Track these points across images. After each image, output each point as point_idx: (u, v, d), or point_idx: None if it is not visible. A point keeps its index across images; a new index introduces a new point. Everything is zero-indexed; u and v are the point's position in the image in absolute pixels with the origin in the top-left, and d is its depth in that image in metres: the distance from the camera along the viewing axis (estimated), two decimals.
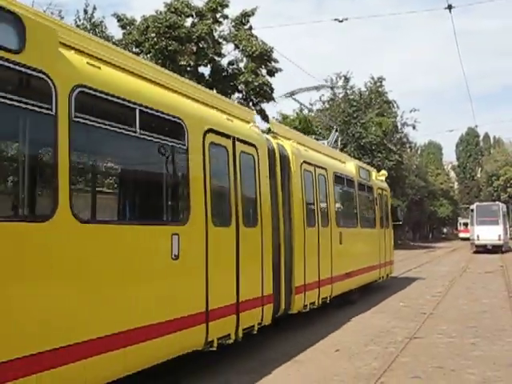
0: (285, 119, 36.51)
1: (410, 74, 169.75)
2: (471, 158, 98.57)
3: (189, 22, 21.67)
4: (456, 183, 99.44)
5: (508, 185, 65.83)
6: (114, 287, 5.15)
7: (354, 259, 12.83)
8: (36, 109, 4.43)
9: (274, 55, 22.92)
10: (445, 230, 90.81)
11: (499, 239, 35.69)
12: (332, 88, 44.21)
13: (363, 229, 14.20)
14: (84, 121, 4.86)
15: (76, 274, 4.68)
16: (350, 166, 14.09)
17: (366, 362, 7.62)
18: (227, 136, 7.28)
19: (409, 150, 64.92)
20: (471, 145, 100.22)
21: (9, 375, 3.91)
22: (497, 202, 42.61)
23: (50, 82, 4.49)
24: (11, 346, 4.00)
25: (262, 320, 7.99)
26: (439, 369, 7.17)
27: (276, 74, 23.25)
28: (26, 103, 4.31)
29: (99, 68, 5.30)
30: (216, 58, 22.53)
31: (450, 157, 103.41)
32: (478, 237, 36.35)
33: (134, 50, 20.78)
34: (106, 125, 5.17)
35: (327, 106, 45.49)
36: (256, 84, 21.94)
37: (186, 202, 6.42)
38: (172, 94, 6.71)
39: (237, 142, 7.44)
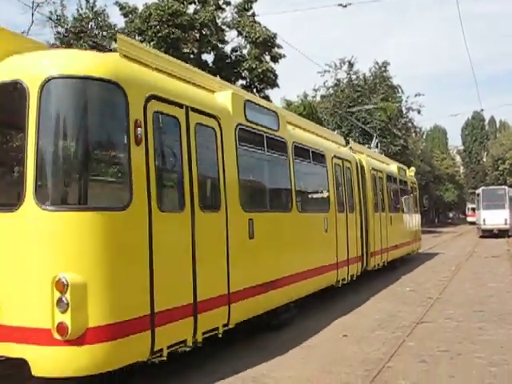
0: (289, 105, 36.26)
1: (415, 58, 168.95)
2: (477, 142, 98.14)
3: (191, 8, 21.56)
4: (462, 168, 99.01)
5: None
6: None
7: (399, 236, 17.51)
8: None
9: (278, 41, 22.83)
10: (451, 215, 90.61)
11: (505, 223, 35.55)
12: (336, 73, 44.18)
13: (403, 214, 19.02)
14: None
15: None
16: (393, 167, 18.70)
17: (373, 346, 7.65)
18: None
19: (414, 134, 64.72)
20: (477, 129, 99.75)
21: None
22: (503, 186, 42.40)
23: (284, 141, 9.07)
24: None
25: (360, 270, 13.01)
26: (446, 353, 7.18)
27: (280, 60, 23.14)
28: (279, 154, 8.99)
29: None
30: (219, 44, 22.46)
31: (455, 141, 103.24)
32: (484, 221, 36.24)
33: (136, 38, 20.73)
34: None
35: (331, 91, 45.31)
36: (260, 70, 21.86)
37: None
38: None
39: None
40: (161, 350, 5.60)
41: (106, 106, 5.67)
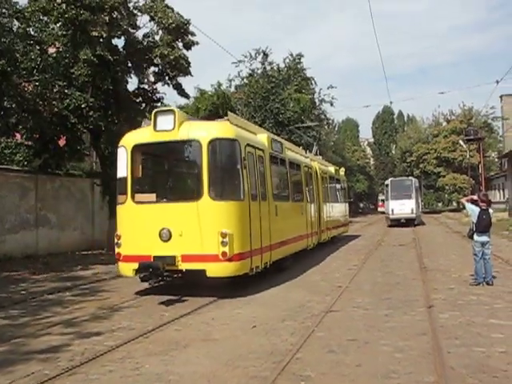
0: (202, 94, 35.91)
1: (331, 53, 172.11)
2: (386, 134, 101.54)
3: None
4: (372, 159, 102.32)
5: (420, 161, 68.25)
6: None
7: (337, 219, 25.19)
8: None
9: (192, 29, 22.32)
10: (361, 205, 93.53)
11: (412, 213, 37.06)
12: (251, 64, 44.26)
13: (339, 203, 26.51)
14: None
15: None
16: (331, 169, 25.70)
17: (282, 337, 7.56)
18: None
19: (326, 126, 66.08)
20: (386, 122, 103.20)
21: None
22: (410, 177, 44.09)
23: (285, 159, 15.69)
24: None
25: (314, 244, 18.93)
26: (354, 341, 7.20)
27: (193, 48, 22.66)
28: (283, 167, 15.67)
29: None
30: (130, 29, 21.62)
31: (366, 134, 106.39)
32: (392, 211, 37.59)
33: (41, 18, 19.61)
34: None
35: (246, 81, 45.29)
36: (172, 57, 21.25)
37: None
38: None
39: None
40: (252, 268, 11.37)
41: (233, 150, 11.36)
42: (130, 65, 22.88)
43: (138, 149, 11.72)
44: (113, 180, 23.66)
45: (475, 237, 11.49)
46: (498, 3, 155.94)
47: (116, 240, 11.51)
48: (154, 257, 10.72)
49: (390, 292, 10.90)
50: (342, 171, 28.76)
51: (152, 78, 23.85)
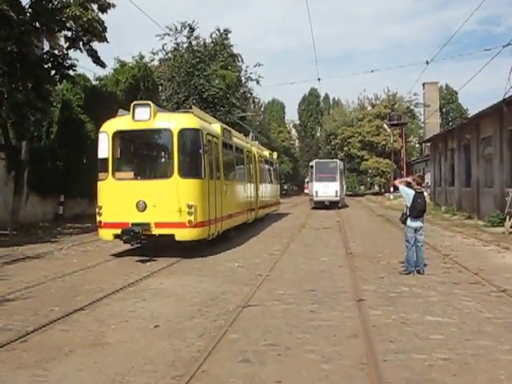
0: (123, 66, 33.65)
1: (260, 34, 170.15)
2: (312, 117, 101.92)
3: None
4: (297, 141, 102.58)
5: (345, 143, 68.69)
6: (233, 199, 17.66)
7: (271, 198, 27.75)
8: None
9: None
10: (285, 187, 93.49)
11: (336, 195, 36.60)
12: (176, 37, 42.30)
13: (272, 184, 29.07)
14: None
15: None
16: (266, 153, 28.86)
17: (188, 341, 6.27)
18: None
19: (252, 105, 64.96)
20: (312, 104, 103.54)
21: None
22: (335, 159, 43.76)
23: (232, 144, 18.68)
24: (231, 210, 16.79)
25: (252, 219, 21.54)
26: (273, 347, 5.99)
27: (115, 17, 20.66)
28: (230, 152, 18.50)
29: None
30: None
31: (292, 116, 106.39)
32: (316, 193, 37.00)
33: None
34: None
35: (170, 56, 43.24)
36: (85, 19, 19.17)
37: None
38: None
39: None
40: (209, 234, 13.84)
41: (197, 138, 13.59)
42: (38, 26, 20.53)
43: (118, 135, 13.89)
44: (18, 153, 21.95)
45: (408, 222, 10.60)
46: None
47: (97, 210, 13.64)
48: (132, 223, 12.87)
49: (314, 282, 9.80)
50: (274, 155, 32.01)
51: (64, 43, 21.61)
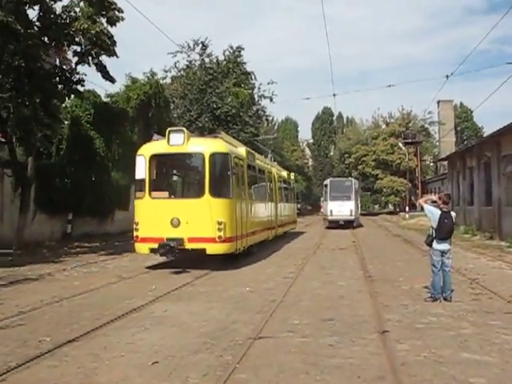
0: (134, 83, 33.25)
1: (274, 54, 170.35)
2: (325, 136, 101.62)
3: None
4: (310, 160, 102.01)
5: (359, 162, 67.84)
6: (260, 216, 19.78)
7: (289, 217, 29.18)
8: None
9: (120, 5, 19.85)
10: (299, 206, 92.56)
11: (351, 214, 35.67)
12: (188, 55, 41.98)
13: (290, 203, 30.47)
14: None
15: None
16: (285, 173, 30.21)
17: (190, 381, 5.48)
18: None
19: (266, 124, 64.46)
20: (326, 123, 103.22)
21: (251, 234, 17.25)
22: (350, 178, 42.88)
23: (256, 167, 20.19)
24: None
25: (272, 236, 22.46)
26: None
27: (128, 34, 20.21)
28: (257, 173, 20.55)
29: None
30: None
31: (305, 135, 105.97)
32: (331, 212, 36.08)
33: None
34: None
35: (183, 73, 42.88)
36: (93, 32, 18.68)
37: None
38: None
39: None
40: (237, 249, 14.96)
41: (226, 161, 14.73)
42: (46, 40, 20.09)
43: (154, 158, 15.06)
44: (25, 170, 21.41)
45: (434, 244, 9.73)
46: (435, 12, 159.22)
47: (134, 226, 14.86)
48: (167, 238, 14.05)
49: (332, 309, 8.96)
50: (292, 175, 33.55)
51: (72, 57, 21.16)
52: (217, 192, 14.39)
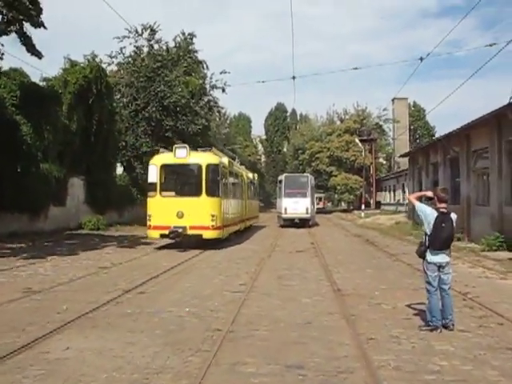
0: (73, 66, 30.12)
1: (230, 50, 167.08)
2: (279, 132, 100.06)
3: None
4: (263, 156, 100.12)
5: (313, 159, 65.91)
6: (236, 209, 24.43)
7: (253, 212, 33.12)
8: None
9: None
10: None
11: (307, 212, 33.44)
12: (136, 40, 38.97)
13: (254, 200, 34.52)
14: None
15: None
16: (251, 175, 33.92)
17: None
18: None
19: (218, 116, 61.80)
20: (279, 119, 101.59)
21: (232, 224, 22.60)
22: (306, 174, 40.85)
23: (233, 172, 25.00)
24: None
25: (243, 228, 27.08)
26: None
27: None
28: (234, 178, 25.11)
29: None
30: None
31: (259, 130, 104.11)
32: (285, 210, 33.74)
33: None
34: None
35: (130, 60, 39.76)
36: None
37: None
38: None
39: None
40: (223, 235, 19.98)
41: (217, 170, 19.62)
42: None
43: (163, 166, 19.52)
44: None
45: (429, 256, 7.43)
46: (388, 14, 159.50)
47: (148, 217, 19.20)
48: (174, 226, 18.37)
49: (300, 346, 6.49)
50: (256, 175, 37.07)
51: None
52: (210, 193, 19.07)
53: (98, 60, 32.76)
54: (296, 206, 33.30)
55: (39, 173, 23.91)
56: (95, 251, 18.37)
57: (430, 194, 7.94)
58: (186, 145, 20.07)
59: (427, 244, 7.45)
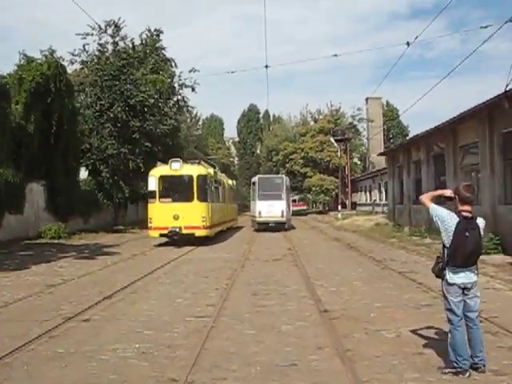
0: (29, 63, 27.86)
1: (204, 52, 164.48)
2: (252, 133, 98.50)
3: None
4: (236, 158, 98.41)
5: (287, 160, 64.34)
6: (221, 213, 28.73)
7: (233, 215, 36.43)
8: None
9: None
10: None
11: (282, 216, 31.67)
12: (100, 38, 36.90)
13: (234, 204, 37.86)
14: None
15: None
16: (230, 181, 37.49)
17: None
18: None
19: (189, 119, 59.82)
20: (252, 121, 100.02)
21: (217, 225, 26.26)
22: (281, 175, 39.10)
23: (218, 180, 29.60)
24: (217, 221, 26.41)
25: (225, 228, 30.94)
26: None
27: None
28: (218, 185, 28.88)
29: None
30: None
31: (231, 133, 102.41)
32: (259, 213, 31.96)
33: None
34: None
35: (93, 57, 37.61)
36: None
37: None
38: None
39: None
40: (212, 234, 24.37)
41: (206, 179, 23.63)
42: None
43: (161, 177, 23.20)
44: None
45: (449, 275, 5.65)
46: (361, 17, 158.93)
47: (149, 220, 22.85)
48: (171, 227, 21.97)
49: None
50: (234, 182, 41.89)
51: None
52: (201, 198, 22.46)
53: (57, 56, 30.29)
54: (271, 209, 31.56)
55: None
56: (49, 264, 16.33)
57: (448, 192, 6.08)
58: (179, 159, 23.99)
59: (446, 259, 5.66)
